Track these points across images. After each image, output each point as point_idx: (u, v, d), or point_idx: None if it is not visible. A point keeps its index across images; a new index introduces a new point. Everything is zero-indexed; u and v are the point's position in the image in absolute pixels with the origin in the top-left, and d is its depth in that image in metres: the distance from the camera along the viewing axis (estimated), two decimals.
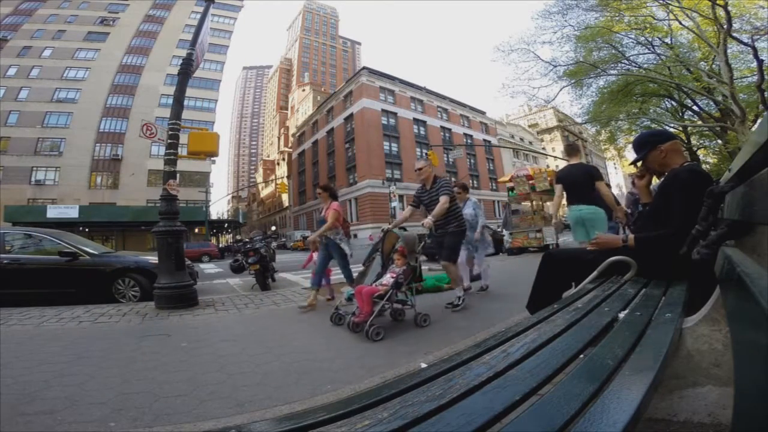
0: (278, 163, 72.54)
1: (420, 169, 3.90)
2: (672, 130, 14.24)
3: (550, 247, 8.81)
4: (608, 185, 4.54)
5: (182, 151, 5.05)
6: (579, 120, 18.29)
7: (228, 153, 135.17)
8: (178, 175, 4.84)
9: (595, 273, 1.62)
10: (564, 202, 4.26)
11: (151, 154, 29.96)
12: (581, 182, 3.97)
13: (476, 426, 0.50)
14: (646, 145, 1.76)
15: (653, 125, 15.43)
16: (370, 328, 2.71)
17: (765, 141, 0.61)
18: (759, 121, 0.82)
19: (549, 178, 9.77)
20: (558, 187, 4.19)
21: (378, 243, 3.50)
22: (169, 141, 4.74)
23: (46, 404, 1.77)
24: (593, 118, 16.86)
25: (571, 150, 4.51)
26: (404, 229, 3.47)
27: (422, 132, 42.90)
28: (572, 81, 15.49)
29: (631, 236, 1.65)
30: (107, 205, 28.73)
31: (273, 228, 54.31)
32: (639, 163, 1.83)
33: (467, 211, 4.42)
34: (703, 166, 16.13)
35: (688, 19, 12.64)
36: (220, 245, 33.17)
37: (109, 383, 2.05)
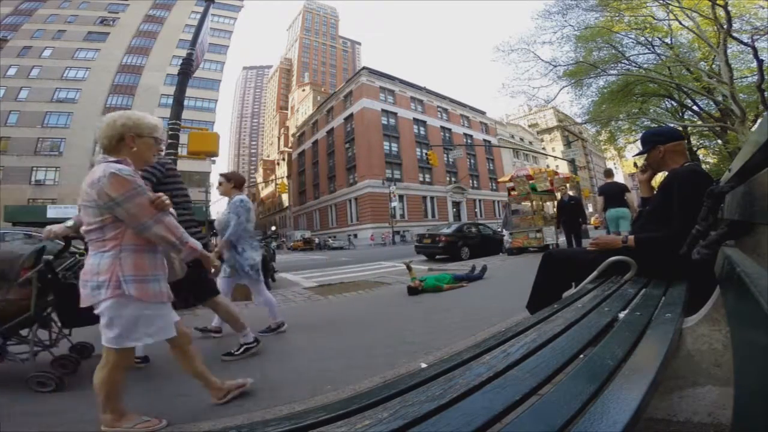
0: (278, 163, 72.59)
1: None
2: (675, 129, 14.20)
3: (550, 247, 8.81)
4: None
5: (182, 151, 5.05)
6: (579, 120, 18.30)
7: (228, 153, 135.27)
8: None
9: (595, 273, 1.62)
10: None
11: None
12: (616, 193, 6.18)
13: (476, 426, 0.50)
14: (647, 143, 1.77)
15: (653, 125, 15.43)
16: None
17: (765, 141, 0.61)
18: (759, 121, 0.82)
19: (549, 178, 9.77)
20: (600, 198, 6.47)
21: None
22: (169, 141, 4.74)
23: (46, 404, 1.77)
24: (593, 118, 16.87)
25: (608, 173, 6.98)
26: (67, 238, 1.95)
27: (422, 132, 42.93)
28: (572, 81, 15.50)
29: (631, 237, 1.65)
30: None
31: (273, 228, 54.34)
32: (642, 157, 1.85)
33: (221, 218, 3.09)
34: (703, 166, 16.14)
35: (688, 19, 12.64)
36: None
37: None
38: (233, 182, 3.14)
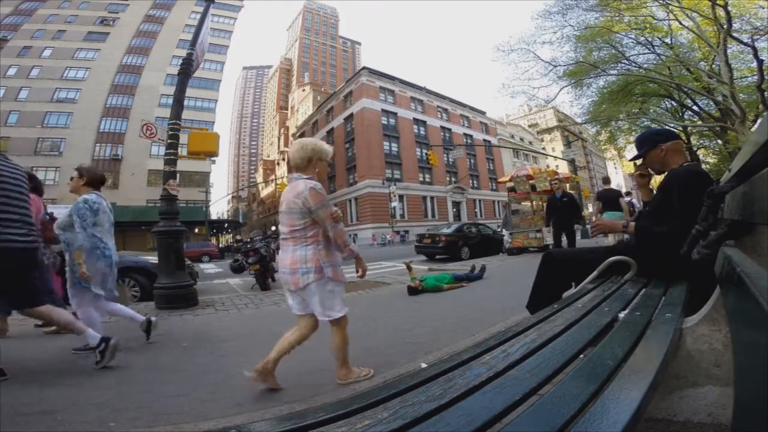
0: (278, 163, 72.57)
1: None
2: (672, 130, 14.23)
3: (550, 247, 8.80)
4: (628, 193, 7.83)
5: (182, 151, 5.04)
6: (579, 120, 18.30)
7: (228, 153, 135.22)
8: (178, 175, 4.84)
9: (595, 273, 1.62)
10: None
11: (151, 154, 29.98)
12: (612, 198, 6.87)
13: (476, 426, 0.50)
14: (647, 143, 1.76)
15: (653, 125, 15.43)
16: None
17: (765, 141, 0.61)
18: (759, 121, 0.82)
19: (549, 178, 9.76)
20: (597, 202, 7.08)
21: None
22: (169, 141, 4.74)
23: (46, 404, 1.77)
24: (593, 118, 16.86)
25: (606, 181, 7.68)
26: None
27: (422, 132, 42.91)
28: (572, 81, 15.49)
29: (632, 223, 1.68)
30: None
31: (273, 228, 54.35)
32: (639, 160, 1.84)
33: (62, 218, 2.70)
34: (703, 166, 16.12)
35: (688, 19, 12.64)
36: (220, 245, 33.19)
37: (109, 383, 2.05)
38: (86, 178, 2.72)
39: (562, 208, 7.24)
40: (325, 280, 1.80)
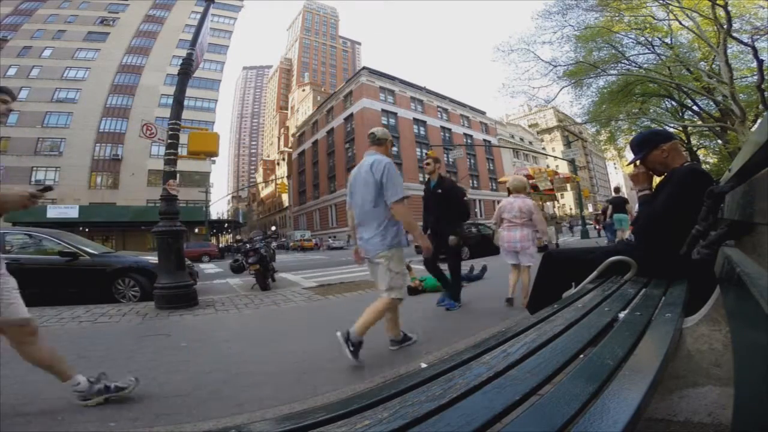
0: (278, 163, 72.63)
1: None
2: (672, 130, 14.30)
3: (550, 247, 8.82)
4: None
5: (182, 151, 5.04)
6: (579, 120, 18.29)
7: (228, 153, 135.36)
8: (178, 175, 4.84)
9: (595, 273, 1.62)
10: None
11: (151, 154, 29.97)
12: (620, 204, 8.87)
13: (476, 426, 0.50)
14: (648, 143, 1.75)
15: (653, 125, 15.42)
16: None
17: (765, 141, 0.61)
18: (759, 121, 0.81)
19: (549, 178, 9.77)
20: (609, 207, 9.11)
21: None
22: (169, 141, 4.74)
23: (46, 404, 1.77)
24: (593, 118, 16.85)
25: (616, 190, 9.69)
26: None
27: (422, 132, 42.91)
28: (572, 81, 15.48)
29: (646, 192, 1.80)
30: (107, 205, 28.75)
31: (273, 228, 54.34)
32: (638, 162, 1.82)
33: None
34: (703, 166, 16.11)
35: (688, 19, 12.63)
36: (220, 245, 33.15)
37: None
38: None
39: (435, 205, 3.91)
40: (534, 246, 3.52)
